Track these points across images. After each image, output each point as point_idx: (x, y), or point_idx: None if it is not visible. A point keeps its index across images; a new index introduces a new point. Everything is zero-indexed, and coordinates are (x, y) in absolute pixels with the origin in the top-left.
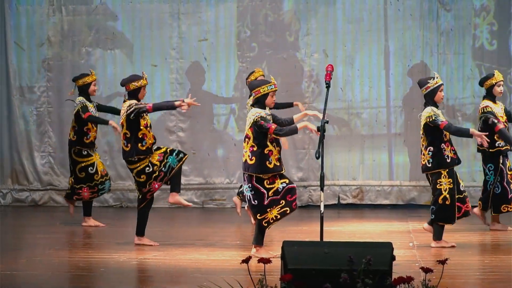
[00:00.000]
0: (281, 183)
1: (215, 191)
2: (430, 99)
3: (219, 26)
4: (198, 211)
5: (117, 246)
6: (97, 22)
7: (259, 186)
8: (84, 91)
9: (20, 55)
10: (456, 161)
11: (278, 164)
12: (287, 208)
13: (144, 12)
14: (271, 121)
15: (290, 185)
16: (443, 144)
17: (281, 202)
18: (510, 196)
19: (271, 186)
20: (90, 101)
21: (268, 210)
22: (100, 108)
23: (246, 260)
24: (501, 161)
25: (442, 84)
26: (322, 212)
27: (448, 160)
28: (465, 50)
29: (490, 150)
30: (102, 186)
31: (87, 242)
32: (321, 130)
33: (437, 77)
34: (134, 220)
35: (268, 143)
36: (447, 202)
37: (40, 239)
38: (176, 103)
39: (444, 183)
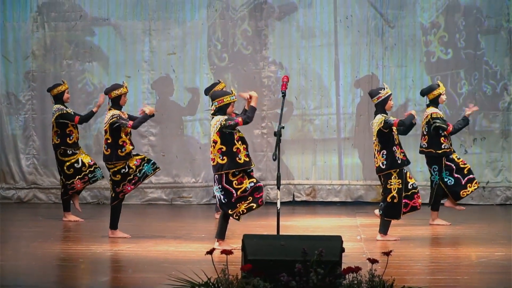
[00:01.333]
0: (249, 183)
1: (183, 189)
2: (381, 107)
3: (186, 41)
4: (167, 207)
5: (94, 239)
6: (76, 37)
7: (228, 186)
8: (59, 99)
9: (7, 67)
10: (406, 162)
11: (247, 159)
12: (254, 204)
13: (118, 29)
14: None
15: (258, 184)
16: (394, 147)
17: (248, 199)
18: (463, 182)
19: (239, 186)
20: (66, 108)
21: (237, 205)
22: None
23: (210, 252)
24: (444, 161)
25: (391, 94)
26: (278, 208)
27: (399, 162)
28: (407, 63)
29: (437, 151)
30: (93, 174)
31: (67, 235)
32: (278, 135)
33: (386, 88)
34: (109, 216)
35: (235, 142)
36: (395, 201)
37: (24, 232)
38: (146, 111)
39: (394, 183)
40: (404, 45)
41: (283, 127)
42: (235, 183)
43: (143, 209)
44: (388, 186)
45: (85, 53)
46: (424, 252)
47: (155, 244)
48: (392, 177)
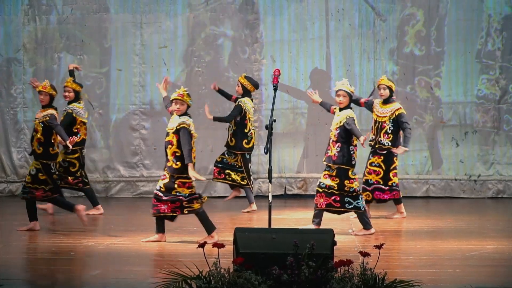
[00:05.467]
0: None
1: None
2: None
3: (177, 34)
4: None
5: (86, 232)
6: (68, 31)
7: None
8: None
9: None
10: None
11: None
12: None
13: (109, 22)
14: None
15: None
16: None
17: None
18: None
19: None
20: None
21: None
22: None
23: (202, 245)
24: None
25: (337, 90)
26: (270, 201)
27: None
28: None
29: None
30: None
31: (58, 228)
32: (269, 128)
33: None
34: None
35: None
36: None
37: (16, 226)
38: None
39: None
40: (396, 38)
41: (274, 121)
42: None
43: (134, 202)
44: None
45: (76, 47)
46: (415, 245)
47: (147, 238)
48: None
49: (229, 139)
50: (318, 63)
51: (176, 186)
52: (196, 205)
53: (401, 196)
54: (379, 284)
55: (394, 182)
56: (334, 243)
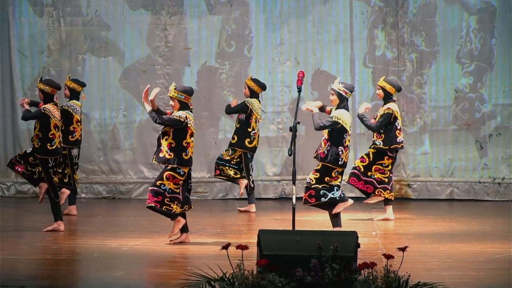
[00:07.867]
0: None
1: (198, 184)
2: None
3: (201, 36)
4: None
5: (110, 233)
6: (92, 32)
7: None
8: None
9: (23, 62)
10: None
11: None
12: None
13: (134, 23)
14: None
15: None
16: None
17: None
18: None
19: None
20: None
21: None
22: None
23: (226, 247)
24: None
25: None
26: (294, 203)
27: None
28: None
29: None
30: None
31: (82, 229)
32: (293, 130)
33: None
34: (125, 210)
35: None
36: None
37: (40, 227)
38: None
39: None
40: (421, 39)
41: (298, 123)
42: None
43: None
44: None
45: (100, 48)
46: (439, 247)
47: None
48: None
49: (231, 137)
50: (342, 65)
51: (164, 177)
52: (175, 207)
53: (385, 196)
54: (402, 286)
55: (373, 175)
56: (358, 245)
